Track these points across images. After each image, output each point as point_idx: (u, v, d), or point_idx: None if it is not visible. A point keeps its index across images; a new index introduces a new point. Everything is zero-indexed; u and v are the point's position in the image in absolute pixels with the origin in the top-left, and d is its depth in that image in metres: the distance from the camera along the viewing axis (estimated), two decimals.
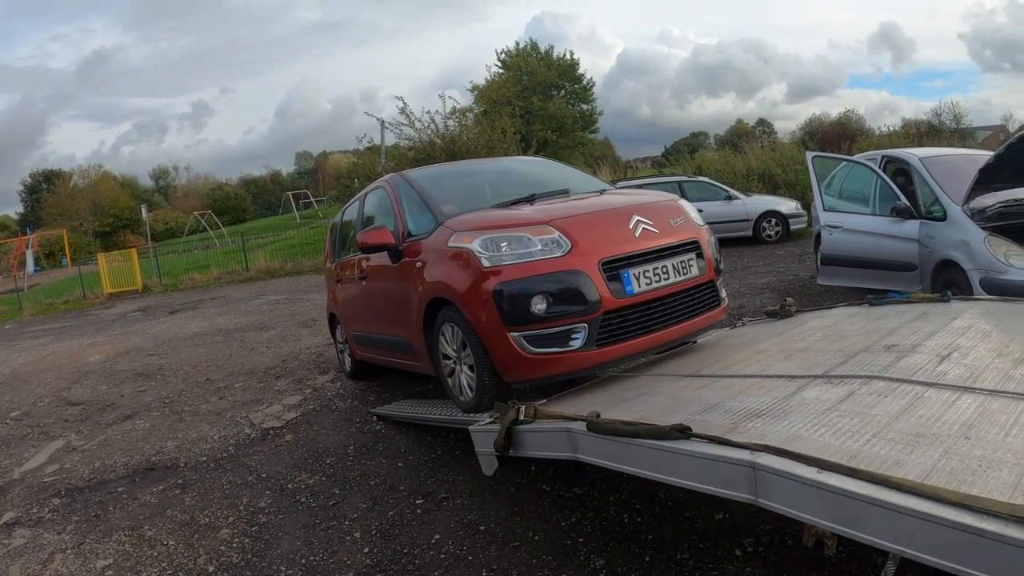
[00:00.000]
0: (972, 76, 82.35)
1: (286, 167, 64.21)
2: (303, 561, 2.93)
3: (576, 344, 2.99)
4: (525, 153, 17.38)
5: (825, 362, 2.62)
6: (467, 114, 18.05)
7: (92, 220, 42.44)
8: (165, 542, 3.25)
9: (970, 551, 1.22)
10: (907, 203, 5.41)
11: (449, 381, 3.59)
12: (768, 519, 2.62)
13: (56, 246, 34.42)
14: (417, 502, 3.35)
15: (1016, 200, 4.78)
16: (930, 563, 1.29)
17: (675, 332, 3.26)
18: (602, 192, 4.00)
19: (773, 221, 12.17)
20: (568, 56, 35.96)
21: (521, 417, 2.60)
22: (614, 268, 3.06)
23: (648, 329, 3.14)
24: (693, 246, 3.38)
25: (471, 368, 3.33)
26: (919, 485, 1.36)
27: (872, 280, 5.57)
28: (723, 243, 4.53)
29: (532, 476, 3.42)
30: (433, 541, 2.95)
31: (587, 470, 3.14)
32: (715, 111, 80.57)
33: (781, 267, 9.24)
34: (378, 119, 20.21)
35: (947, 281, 4.80)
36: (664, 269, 3.20)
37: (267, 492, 3.69)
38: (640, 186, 10.71)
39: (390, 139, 20.27)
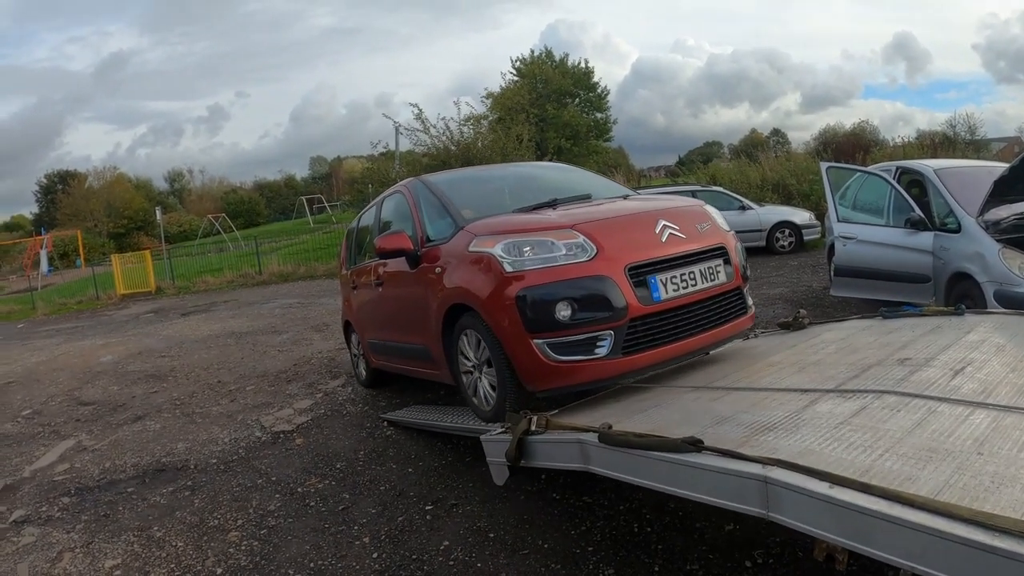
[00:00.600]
0: (987, 87, 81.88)
1: (300, 171, 64.82)
2: (311, 565, 2.94)
3: (602, 352, 2.91)
4: (542, 160, 17.33)
5: (838, 375, 2.61)
6: (482, 121, 18.11)
7: (106, 221, 42.82)
8: (174, 543, 3.27)
9: (982, 569, 1.21)
10: (921, 215, 5.38)
11: (469, 390, 3.51)
12: (778, 531, 2.61)
13: (70, 247, 34.70)
14: (427, 508, 3.36)
15: None
16: None
17: (702, 340, 3.18)
18: (625, 197, 3.93)
19: (787, 231, 12.13)
20: (583, 64, 36.12)
21: (533, 427, 2.57)
22: (641, 274, 2.98)
23: (675, 337, 3.06)
24: (720, 252, 3.31)
25: (492, 376, 3.25)
26: (931, 501, 1.36)
27: (885, 292, 5.54)
28: None
29: (543, 484, 3.42)
30: (442, 547, 2.95)
31: (597, 479, 3.12)
32: (729, 121, 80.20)
33: (794, 278, 9.20)
34: (394, 123, 20.18)
35: (961, 293, 4.77)
36: (691, 275, 3.12)
37: (277, 495, 3.71)
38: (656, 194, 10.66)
39: (404, 145, 20.36)
